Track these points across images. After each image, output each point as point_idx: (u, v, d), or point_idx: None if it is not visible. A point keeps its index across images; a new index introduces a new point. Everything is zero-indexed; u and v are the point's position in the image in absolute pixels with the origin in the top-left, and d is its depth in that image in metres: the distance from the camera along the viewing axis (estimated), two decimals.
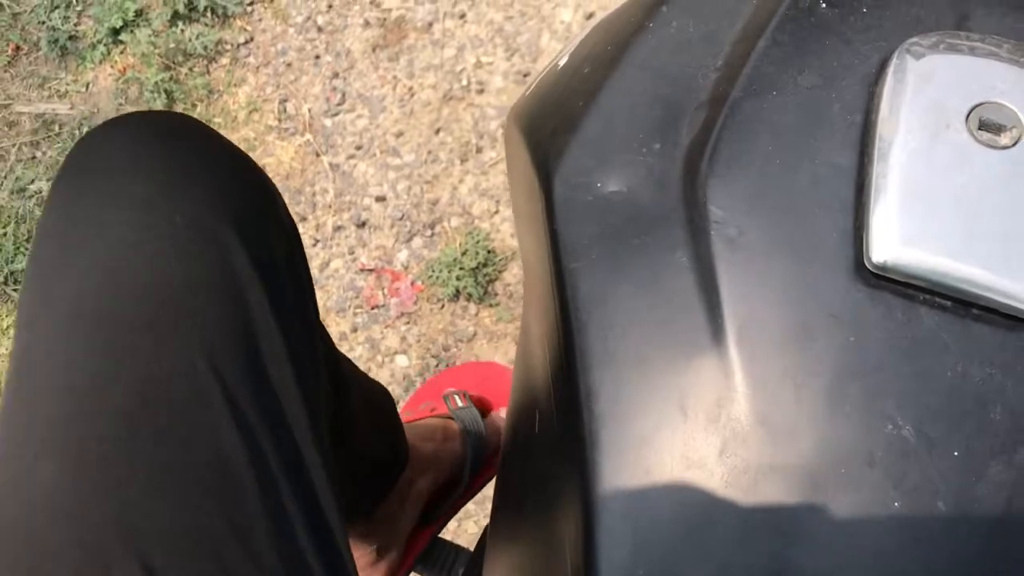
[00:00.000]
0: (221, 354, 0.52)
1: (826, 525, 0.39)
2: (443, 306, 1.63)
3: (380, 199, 1.71)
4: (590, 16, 1.79)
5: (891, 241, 0.41)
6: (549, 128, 0.52)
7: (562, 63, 0.58)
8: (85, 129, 1.81)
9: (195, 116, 1.78)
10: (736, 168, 0.45)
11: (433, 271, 1.63)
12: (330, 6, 1.86)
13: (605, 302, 0.45)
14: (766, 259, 0.43)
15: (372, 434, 0.90)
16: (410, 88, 1.78)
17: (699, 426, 0.41)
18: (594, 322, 0.45)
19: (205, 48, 1.80)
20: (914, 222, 0.41)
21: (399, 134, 1.75)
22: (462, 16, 1.82)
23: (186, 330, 0.51)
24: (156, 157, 0.55)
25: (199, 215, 0.54)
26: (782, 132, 0.45)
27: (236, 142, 1.76)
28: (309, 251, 1.67)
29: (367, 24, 1.83)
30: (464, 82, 1.77)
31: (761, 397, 0.41)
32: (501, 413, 1.16)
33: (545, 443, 0.50)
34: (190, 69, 1.82)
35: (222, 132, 1.76)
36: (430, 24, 1.82)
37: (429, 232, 1.68)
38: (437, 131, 1.75)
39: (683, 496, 0.41)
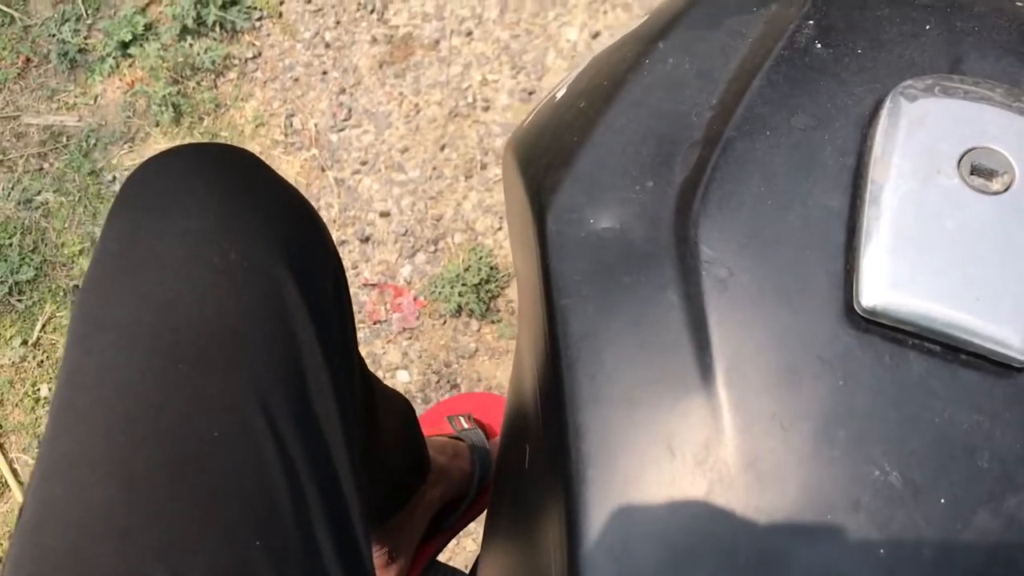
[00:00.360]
0: (269, 388, 0.53)
1: (811, 570, 0.39)
2: (445, 322, 1.63)
3: (384, 214, 1.71)
4: (596, 35, 1.79)
5: (881, 285, 0.41)
6: (544, 162, 0.52)
7: (559, 96, 0.58)
8: (92, 141, 1.82)
9: (202, 129, 1.79)
10: (728, 208, 0.45)
11: (436, 287, 1.63)
12: (338, 22, 1.87)
13: (595, 340, 0.45)
14: (756, 300, 0.43)
15: (399, 449, 0.92)
16: (416, 104, 1.78)
17: (686, 467, 0.41)
18: (583, 360, 0.45)
19: (213, 62, 1.81)
20: (904, 267, 0.41)
21: (404, 150, 1.75)
22: (469, 34, 1.82)
23: (236, 364, 0.53)
24: (210, 191, 0.56)
25: (252, 250, 0.55)
26: (774, 173, 0.45)
27: None
28: None
29: (374, 41, 1.84)
30: (470, 99, 1.78)
31: (748, 440, 0.41)
32: None
33: (534, 478, 0.50)
34: (198, 83, 1.82)
35: None
36: (437, 41, 1.82)
37: (432, 248, 1.68)
38: (442, 147, 1.75)
39: (669, 537, 0.41)
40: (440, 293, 1.62)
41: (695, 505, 0.41)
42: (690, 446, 0.42)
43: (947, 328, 0.40)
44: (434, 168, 1.74)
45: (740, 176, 0.45)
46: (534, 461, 0.50)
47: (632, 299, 0.45)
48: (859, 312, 0.41)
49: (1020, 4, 0.49)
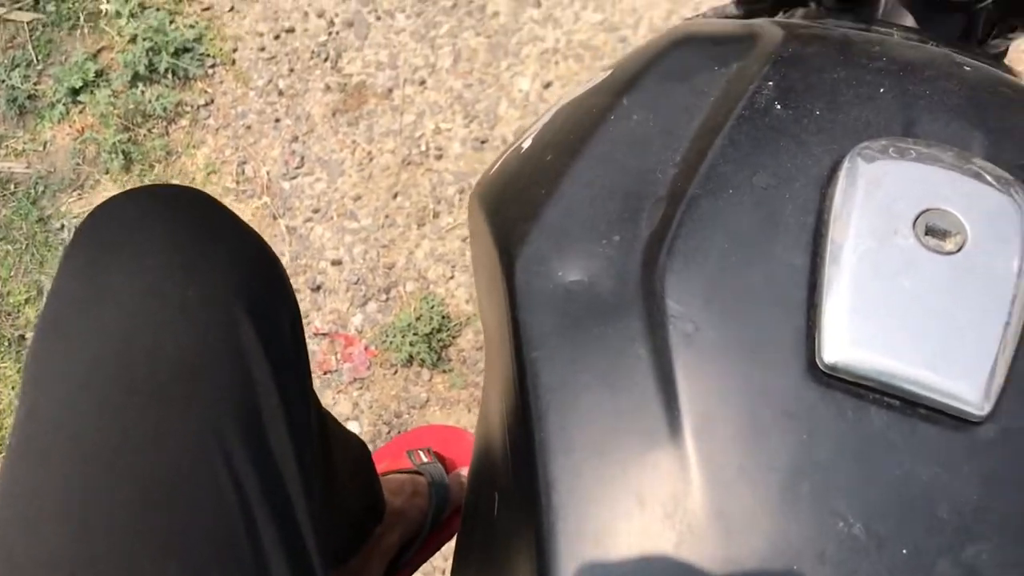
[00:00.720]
0: (226, 426, 0.53)
1: None
2: (396, 372, 1.63)
3: (336, 263, 1.71)
4: (548, 85, 1.82)
5: (842, 342, 0.42)
6: (512, 214, 0.53)
7: (526, 146, 0.59)
8: (41, 188, 1.80)
9: (152, 176, 1.78)
10: (693, 264, 0.46)
11: (387, 336, 1.63)
12: (291, 70, 1.87)
13: (565, 392, 0.45)
14: (722, 355, 0.44)
15: (354, 489, 0.92)
16: (369, 152, 1.79)
17: (655, 519, 0.42)
18: (553, 412, 0.45)
19: (165, 109, 1.80)
20: (864, 324, 0.42)
21: (357, 198, 1.76)
22: (422, 83, 1.84)
23: (193, 401, 0.53)
24: (167, 230, 0.56)
25: (210, 288, 0.55)
26: (738, 230, 0.46)
27: None
28: None
29: (328, 89, 1.85)
30: (423, 147, 1.79)
31: (717, 492, 0.42)
32: (464, 471, 1.19)
33: (504, 527, 0.50)
34: (149, 130, 1.82)
35: None
36: (390, 90, 1.84)
37: (384, 297, 1.68)
38: (395, 196, 1.76)
39: None
40: (391, 342, 1.62)
41: (664, 557, 0.42)
42: (659, 498, 0.42)
43: (906, 383, 0.42)
44: (387, 216, 1.74)
45: (704, 232, 0.46)
46: (503, 509, 0.51)
47: (601, 352, 0.46)
48: (821, 368, 0.43)
49: (968, 68, 0.51)
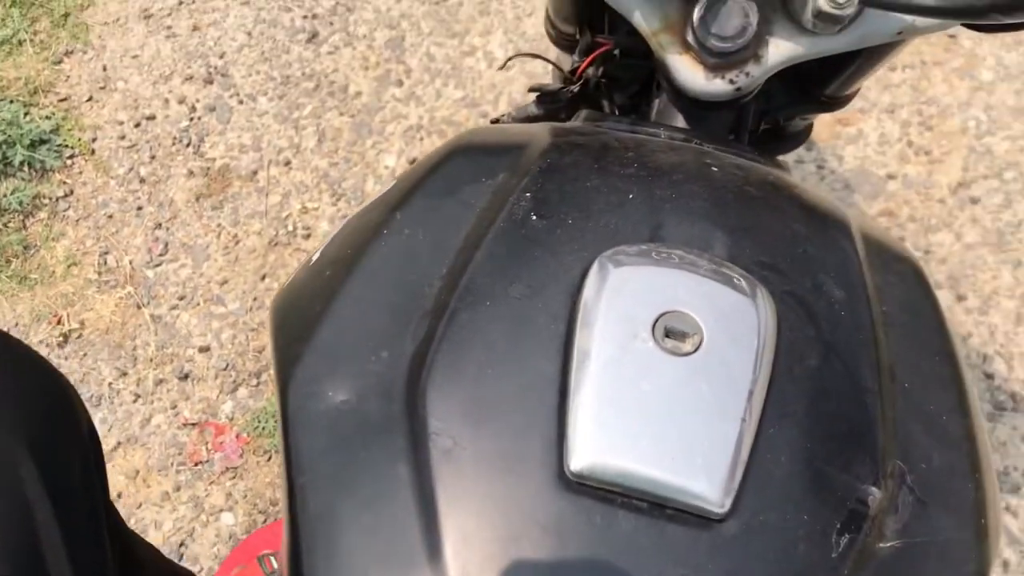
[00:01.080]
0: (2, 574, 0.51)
1: None
2: (270, 458, 1.60)
3: (204, 350, 1.68)
4: (413, 161, 1.83)
5: (587, 449, 0.43)
6: (290, 334, 0.53)
7: (315, 259, 0.59)
8: None
9: (10, 272, 1.74)
10: (453, 378, 0.47)
11: (259, 421, 1.61)
12: (153, 157, 1.86)
13: (331, 521, 0.46)
14: (479, 469, 0.45)
15: None
16: (235, 236, 1.78)
17: None
18: (320, 544, 0.45)
19: (21, 203, 1.77)
20: (607, 430, 0.44)
21: (223, 282, 1.74)
22: (287, 163, 1.84)
23: None
24: None
25: None
26: (494, 342, 0.47)
27: (54, 298, 1.73)
28: (129, 407, 1.63)
29: (191, 174, 1.84)
30: (290, 227, 1.78)
31: None
32: None
33: None
34: (4, 225, 1.78)
35: (39, 288, 1.72)
36: (255, 172, 1.83)
37: (255, 381, 1.66)
38: (263, 277, 1.75)
39: None
40: (264, 428, 1.60)
41: None
42: None
43: (649, 486, 0.43)
44: (255, 299, 1.73)
45: (463, 346, 0.47)
46: None
47: (366, 475, 0.46)
48: (570, 476, 0.44)
49: (716, 169, 0.53)
